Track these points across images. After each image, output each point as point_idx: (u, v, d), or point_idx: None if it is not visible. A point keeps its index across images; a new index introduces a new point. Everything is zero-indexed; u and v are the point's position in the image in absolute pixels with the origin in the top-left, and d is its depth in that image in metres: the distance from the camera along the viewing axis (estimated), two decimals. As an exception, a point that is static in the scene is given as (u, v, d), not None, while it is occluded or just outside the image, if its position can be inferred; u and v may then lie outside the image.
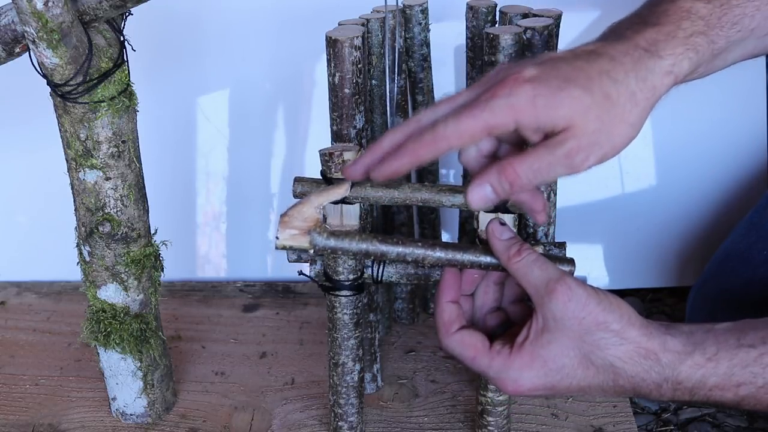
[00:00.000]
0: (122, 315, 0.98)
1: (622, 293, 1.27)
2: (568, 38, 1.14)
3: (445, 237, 1.31)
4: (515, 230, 0.84)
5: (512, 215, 0.85)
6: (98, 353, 1.02)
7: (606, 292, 0.74)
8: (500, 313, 0.81)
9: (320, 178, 0.88)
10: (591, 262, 1.31)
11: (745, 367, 0.72)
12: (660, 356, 0.72)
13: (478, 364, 0.76)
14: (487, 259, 0.78)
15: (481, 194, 0.69)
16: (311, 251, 0.80)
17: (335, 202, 0.88)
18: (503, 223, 0.77)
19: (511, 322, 0.81)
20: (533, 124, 0.66)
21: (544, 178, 0.68)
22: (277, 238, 0.79)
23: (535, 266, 0.74)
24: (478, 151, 0.73)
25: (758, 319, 0.74)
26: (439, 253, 0.79)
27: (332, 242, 0.79)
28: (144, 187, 0.96)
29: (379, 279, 0.94)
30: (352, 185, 0.86)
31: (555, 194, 1.01)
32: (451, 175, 1.30)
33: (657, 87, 0.70)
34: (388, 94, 1.03)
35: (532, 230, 1.02)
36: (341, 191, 0.81)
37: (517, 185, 0.68)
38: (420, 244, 0.79)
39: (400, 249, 0.79)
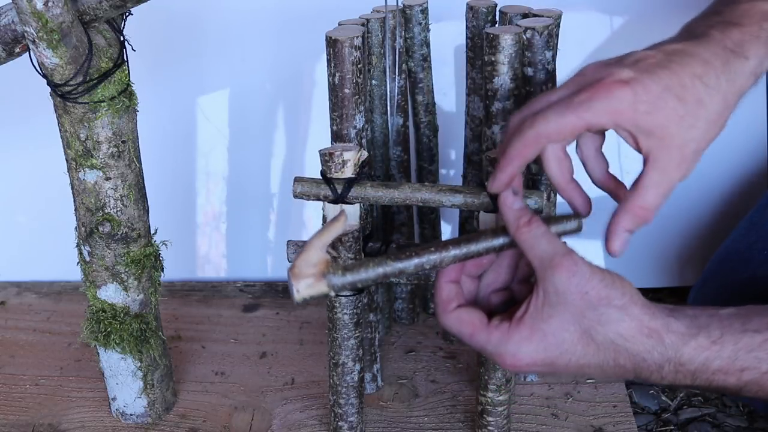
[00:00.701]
0: (122, 315, 0.98)
1: (622, 293, 1.27)
2: (568, 38, 1.14)
3: (445, 237, 1.31)
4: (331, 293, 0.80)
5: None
6: (98, 353, 1.02)
7: (610, 271, 0.74)
8: (506, 293, 0.80)
9: (320, 178, 0.88)
10: (591, 262, 1.31)
11: (750, 352, 0.71)
12: (663, 336, 0.72)
13: (476, 341, 0.75)
14: (500, 240, 0.77)
15: (622, 241, 0.75)
16: (333, 293, 0.77)
17: (334, 202, 0.88)
18: (516, 193, 0.77)
19: (515, 301, 0.80)
20: (632, 127, 0.71)
21: (667, 196, 0.76)
22: (297, 291, 0.75)
23: (543, 239, 0.74)
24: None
25: (763, 306, 0.73)
26: (454, 251, 0.77)
27: (349, 278, 0.76)
28: (144, 187, 0.96)
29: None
30: (352, 186, 0.86)
31: (555, 194, 1.01)
32: (451, 174, 1.30)
33: (743, 87, 0.73)
34: (388, 94, 1.03)
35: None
36: (339, 226, 0.78)
37: (649, 218, 0.76)
38: (432, 249, 0.77)
39: (416, 261, 0.77)
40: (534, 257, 0.74)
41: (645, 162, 0.74)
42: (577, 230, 0.80)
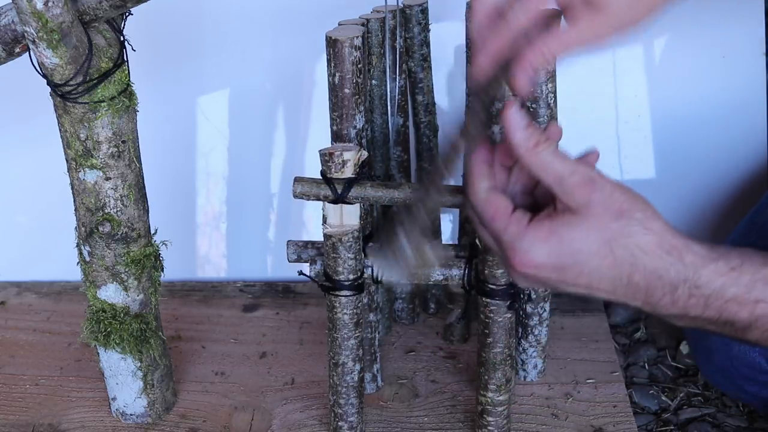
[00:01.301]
0: (122, 315, 0.98)
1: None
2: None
3: (445, 237, 1.31)
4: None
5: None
6: (98, 353, 1.02)
7: (630, 189, 0.72)
8: (531, 197, 0.77)
9: (320, 178, 0.88)
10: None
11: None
12: (684, 254, 0.70)
13: (496, 224, 0.72)
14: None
15: (527, 77, 0.72)
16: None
17: (334, 202, 0.88)
18: (523, 106, 0.75)
19: (539, 208, 0.76)
20: None
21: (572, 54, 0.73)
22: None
23: (555, 160, 0.71)
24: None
25: None
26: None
27: None
28: (144, 187, 0.96)
29: (379, 279, 0.94)
30: (352, 186, 0.86)
31: (555, 194, 1.01)
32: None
33: None
34: (388, 94, 1.03)
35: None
36: None
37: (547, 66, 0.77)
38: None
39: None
40: (549, 180, 0.71)
41: (565, 15, 0.72)
42: None
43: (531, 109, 0.95)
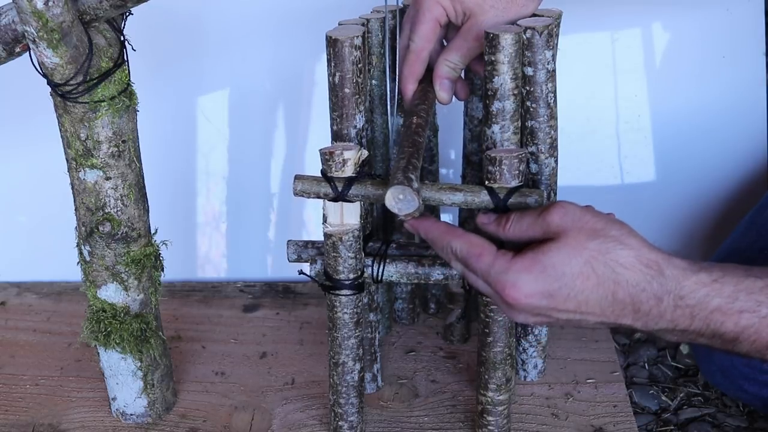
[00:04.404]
0: (122, 315, 0.98)
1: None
2: (568, 38, 1.14)
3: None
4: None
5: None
6: (98, 353, 1.02)
7: (604, 213, 0.77)
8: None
9: (320, 176, 0.88)
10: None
11: (750, 294, 0.71)
12: (663, 268, 0.72)
13: (482, 263, 0.77)
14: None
15: (445, 89, 0.96)
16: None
17: (334, 200, 0.88)
18: (485, 212, 0.83)
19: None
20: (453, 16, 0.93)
21: (470, 57, 0.94)
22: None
23: (523, 216, 0.78)
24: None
25: None
26: None
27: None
28: (144, 186, 0.96)
29: (380, 278, 0.94)
30: (352, 184, 0.86)
31: (555, 194, 1.01)
32: (450, 174, 1.30)
33: None
34: (388, 94, 1.03)
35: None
36: None
37: (457, 70, 0.95)
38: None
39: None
40: (528, 231, 0.77)
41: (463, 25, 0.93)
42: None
43: (531, 109, 0.95)
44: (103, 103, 0.87)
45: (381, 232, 1.13)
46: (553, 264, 0.73)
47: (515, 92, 0.90)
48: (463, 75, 0.99)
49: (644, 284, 0.72)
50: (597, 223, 0.73)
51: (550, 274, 0.73)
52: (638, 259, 0.72)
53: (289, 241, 0.98)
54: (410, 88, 0.95)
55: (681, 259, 0.73)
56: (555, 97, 0.96)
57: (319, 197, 0.87)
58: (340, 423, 0.99)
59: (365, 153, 0.90)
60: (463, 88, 1.01)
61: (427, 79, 0.96)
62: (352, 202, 0.88)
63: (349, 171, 0.87)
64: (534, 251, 0.74)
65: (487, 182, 0.85)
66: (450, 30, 0.97)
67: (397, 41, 0.98)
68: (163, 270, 1.00)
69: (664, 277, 0.72)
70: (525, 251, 0.75)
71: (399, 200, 0.77)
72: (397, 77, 0.97)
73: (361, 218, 0.90)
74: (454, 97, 0.98)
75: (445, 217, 1.30)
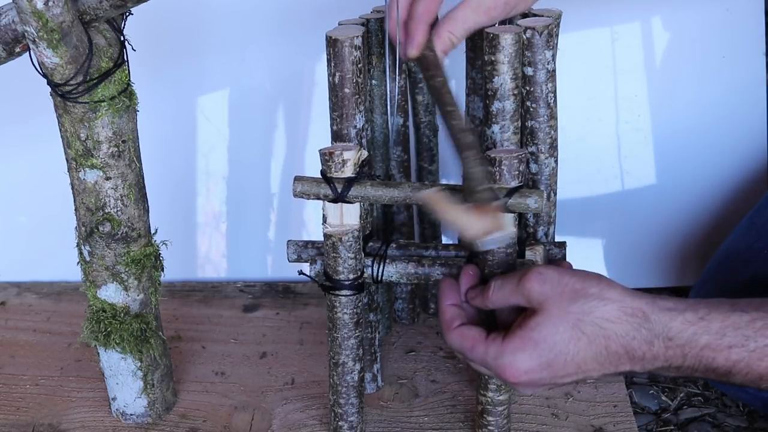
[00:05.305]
0: (122, 315, 0.98)
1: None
2: (568, 37, 1.14)
3: (445, 237, 1.31)
4: (515, 229, 0.84)
5: (512, 215, 0.85)
6: (98, 353, 1.02)
7: (579, 269, 0.78)
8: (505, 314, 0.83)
9: (320, 177, 0.88)
10: (591, 263, 1.31)
11: (737, 329, 0.72)
12: (648, 314, 0.73)
13: (476, 353, 0.78)
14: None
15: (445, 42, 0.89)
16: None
17: (334, 201, 0.88)
18: (473, 287, 0.85)
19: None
20: None
21: (472, 32, 0.90)
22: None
23: (503, 284, 0.79)
24: None
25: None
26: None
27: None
28: (144, 186, 0.96)
29: (379, 279, 0.94)
30: (352, 185, 0.86)
31: (555, 194, 1.01)
32: (450, 174, 1.30)
33: None
34: (388, 94, 1.03)
35: (532, 230, 1.02)
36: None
37: (456, 42, 0.90)
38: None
39: None
40: (511, 299, 0.78)
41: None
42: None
43: (531, 109, 0.95)
44: (103, 103, 0.87)
45: (381, 232, 1.13)
46: (543, 337, 0.75)
47: (515, 92, 0.90)
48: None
49: (633, 333, 0.73)
50: (575, 284, 0.75)
51: (543, 348, 0.75)
52: (622, 310, 0.74)
53: (289, 241, 0.98)
54: (422, 28, 0.87)
55: (666, 300, 0.75)
56: (555, 97, 0.96)
57: (319, 198, 0.88)
58: (340, 423, 0.99)
59: (365, 153, 0.90)
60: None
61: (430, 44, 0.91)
62: (352, 203, 0.88)
63: (348, 171, 0.87)
64: (522, 328, 0.76)
65: (486, 182, 0.85)
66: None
67: (397, 41, 0.98)
68: (163, 270, 1.00)
69: (650, 323, 0.73)
70: (513, 330, 0.77)
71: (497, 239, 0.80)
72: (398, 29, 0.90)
73: (360, 219, 0.90)
74: (452, 81, 0.99)
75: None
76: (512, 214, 0.84)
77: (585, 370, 0.75)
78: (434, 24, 0.89)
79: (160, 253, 0.99)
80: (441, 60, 0.89)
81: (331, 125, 0.94)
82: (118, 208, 0.93)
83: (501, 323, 0.82)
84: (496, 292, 0.80)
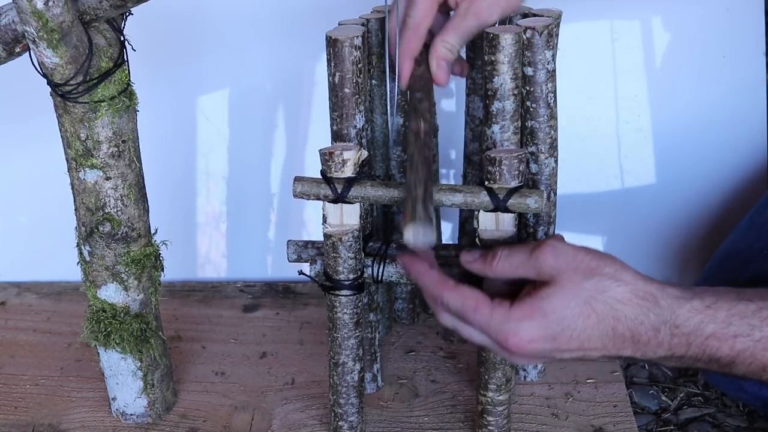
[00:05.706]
0: (122, 315, 0.98)
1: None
2: (568, 38, 1.14)
3: (445, 237, 1.31)
4: (515, 229, 0.84)
5: (512, 215, 0.85)
6: (98, 353, 1.02)
7: (593, 248, 0.76)
8: (507, 287, 0.81)
9: (320, 177, 0.88)
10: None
11: (743, 318, 0.72)
12: (658, 298, 0.73)
13: (480, 315, 0.76)
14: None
15: (442, 70, 0.92)
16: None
17: (334, 202, 0.88)
18: (468, 250, 0.81)
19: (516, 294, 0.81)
20: None
21: (467, 36, 0.91)
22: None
23: (512, 253, 0.77)
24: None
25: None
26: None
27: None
28: (144, 186, 0.96)
29: (379, 278, 0.94)
30: (352, 185, 0.86)
31: (555, 194, 1.01)
32: (451, 174, 1.30)
33: None
34: (388, 94, 1.03)
35: (532, 230, 1.02)
36: None
37: (454, 51, 0.92)
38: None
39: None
40: (519, 273, 0.77)
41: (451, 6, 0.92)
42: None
43: (531, 109, 0.95)
44: (103, 103, 0.87)
45: (381, 232, 1.13)
46: (553, 308, 0.74)
47: (515, 92, 0.90)
48: (463, 54, 0.98)
49: (642, 317, 0.73)
50: (591, 261, 0.74)
51: (551, 319, 0.74)
52: (634, 293, 0.74)
53: (289, 241, 0.98)
54: (407, 65, 0.93)
55: (674, 287, 0.75)
56: (555, 97, 0.96)
57: (319, 199, 0.88)
58: (340, 423, 0.99)
59: (365, 153, 0.90)
60: (462, 66, 1.00)
61: (426, 60, 0.94)
62: (352, 203, 0.88)
63: (348, 171, 0.87)
64: (532, 297, 0.75)
65: (486, 183, 0.85)
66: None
67: (397, 41, 0.98)
68: (163, 270, 1.00)
69: (659, 308, 0.73)
70: (523, 298, 0.75)
71: (418, 235, 0.75)
72: (397, 56, 0.94)
73: (360, 219, 0.90)
74: (452, 83, 0.99)
75: (446, 216, 1.30)
76: (512, 214, 0.84)
77: (587, 348, 0.75)
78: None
79: (160, 253, 0.99)
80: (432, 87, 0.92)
81: (331, 125, 0.93)
82: (118, 208, 0.93)
83: (490, 295, 0.79)
84: (502, 260, 0.77)
